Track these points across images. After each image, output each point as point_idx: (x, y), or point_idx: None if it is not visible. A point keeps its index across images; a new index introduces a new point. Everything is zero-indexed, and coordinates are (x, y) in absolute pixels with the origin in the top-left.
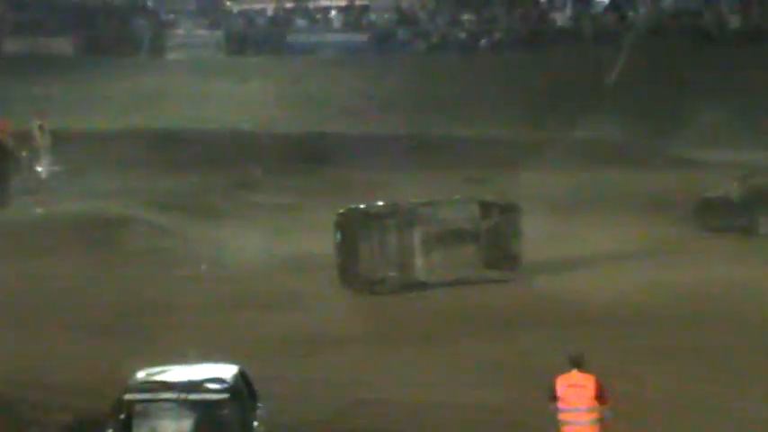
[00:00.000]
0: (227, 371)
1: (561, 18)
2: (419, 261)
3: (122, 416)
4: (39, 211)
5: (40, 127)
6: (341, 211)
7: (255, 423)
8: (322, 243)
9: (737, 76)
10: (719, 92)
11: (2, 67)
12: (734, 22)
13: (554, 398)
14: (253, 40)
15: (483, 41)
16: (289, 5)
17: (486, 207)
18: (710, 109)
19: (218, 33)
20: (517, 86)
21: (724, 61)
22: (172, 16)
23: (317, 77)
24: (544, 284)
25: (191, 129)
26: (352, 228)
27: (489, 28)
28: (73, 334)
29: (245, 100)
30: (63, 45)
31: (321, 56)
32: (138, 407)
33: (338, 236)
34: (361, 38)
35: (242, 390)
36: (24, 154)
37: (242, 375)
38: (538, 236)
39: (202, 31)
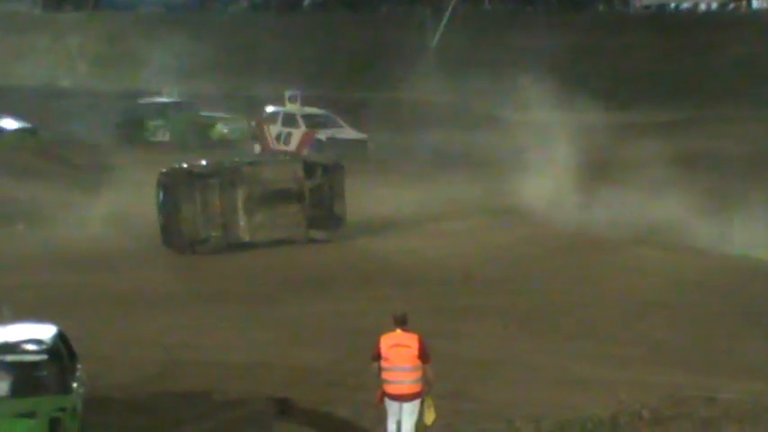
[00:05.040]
0: (46, 331)
1: None
2: (242, 221)
3: None
4: None
5: None
6: (163, 169)
7: (75, 385)
8: (144, 202)
9: (557, 40)
10: (539, 55)
11: None
12: None
13: (377, 357)
14: None
15: (306, 0)
16: None
17: (309, 167)
18: (530, 71)
19: None
20: (340, 46)
21: (544, 25)
22: None
23: (138, 34)
24: (368, 244)
25: (5, 85)
26: (174, 187)
27: None
28: None
29: (62, 56)
30: None
31: (141, 13)
32: None
33: (160, 195)
34: None
35: (61, 351)
36: None
37: (60, 336)
38: (362, 196)
39: None
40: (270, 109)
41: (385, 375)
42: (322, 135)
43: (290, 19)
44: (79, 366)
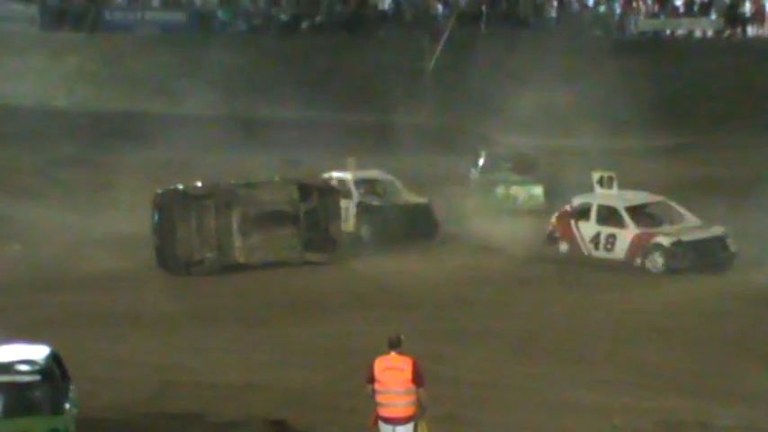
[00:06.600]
0: (39, 352)
1: (382, 2)
2: (238, 242)
3: None
4: None
5: None
6: (159, 191)
7: (68, 405)
8: (139, 223)
9: (553, 65)
10: (535, 79)
11: None
12: (549, 10)
13: (371, 379)
14: (69, 16)
15: (304, 23)
16: None
17: (305, 189)
18: (525, 95)
19: (33, 7)
20: (337, 69)
21: (540, 49)
22: None
23: (135, 55)
24: (364, 267)
25: (3, 105)
26: (170, 208)
27: (311, 10)
28: None
29: (60, 76)
30: None
31: (139, 34)
32: None
33: (156, 216)
34: (180, 17)
35: (54, 372)
36: None
37: (54, 357)
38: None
39: (17, 5)
40: (578, 200)
41: (378, 398)
42: (663, 238)
43: (288, 41)
44: (72, 387)
